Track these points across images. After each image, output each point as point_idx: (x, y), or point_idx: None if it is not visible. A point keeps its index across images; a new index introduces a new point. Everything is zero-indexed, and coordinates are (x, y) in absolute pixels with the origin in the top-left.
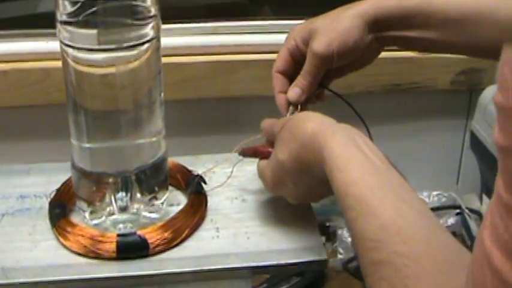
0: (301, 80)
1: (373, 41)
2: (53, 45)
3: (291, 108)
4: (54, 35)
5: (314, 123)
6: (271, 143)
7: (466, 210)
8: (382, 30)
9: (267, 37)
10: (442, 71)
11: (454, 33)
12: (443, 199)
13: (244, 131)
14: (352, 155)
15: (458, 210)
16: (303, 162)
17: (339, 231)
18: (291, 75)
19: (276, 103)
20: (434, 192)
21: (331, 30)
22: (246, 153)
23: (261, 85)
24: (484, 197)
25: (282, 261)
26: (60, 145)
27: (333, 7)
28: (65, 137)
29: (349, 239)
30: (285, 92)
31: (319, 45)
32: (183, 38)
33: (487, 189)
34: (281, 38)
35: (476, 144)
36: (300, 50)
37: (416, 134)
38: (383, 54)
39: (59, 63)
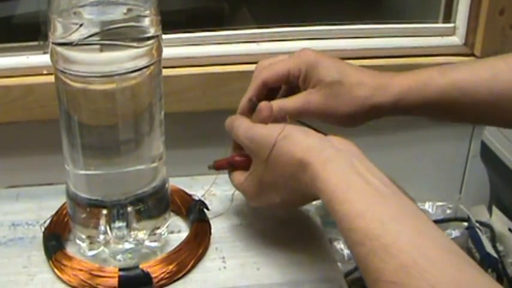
0: (277, 111)
1: (380, 118)
2: (34, 59)
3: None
4: (34, 48)
5: (302, 148)
6: (241, 149)
7: (477, 224)
8: (396, 114)
9: (257, 47)
10: None
11: (482, 112)
12: (448, 211)
13: None
14: (352, 184)
15: (466, 224)
16: (294, 187)
17: (335, 243)
18: (273, 91)
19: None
20: (438, 203)
21: (339, 101)
22: (221, 166)
23: None
24: (495, 208)
25: None
26: (44, 162)
27: (312, 8)
28: (49, 153)
29: (346, 252)
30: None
31: (317, 103)
32: (169, 49)
33: (497, 200)
34: (272, 47)
35: (488, 154)
36: (289, 83)
37: (419, 143)
38: (387, 61)
39: (41, 79)
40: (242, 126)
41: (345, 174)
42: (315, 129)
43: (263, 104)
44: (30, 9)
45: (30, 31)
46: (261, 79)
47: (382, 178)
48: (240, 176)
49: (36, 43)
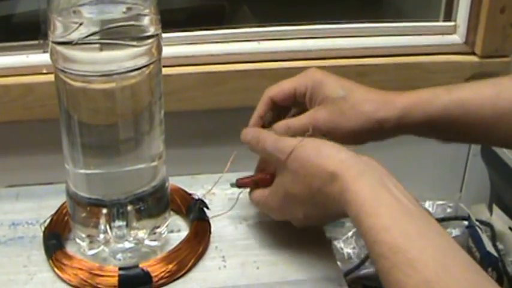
0: (284, 130)
1: (384, 137)
2: (34, 58)
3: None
4: (34, 47)
5: (334, 162)
6: (265, 163)
7: (477, 223)
8: (400, 133)
9: (258, 45)
10: (450, 76)
11: (486, 130)
12: (448, 209)
13: (236, 144)
14: (381, 198)
15: (466, 222)
16: (320, 201)
17: (335, 242)
18: (281, 112)
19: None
20: (439, 202)
21: (344, 118)
22: (245, 185)
23: (252, 96)
24: (495, 207)
25: None
26: (44, 161)
27: (312, 7)
28: (49, 153)
29: (346, 251)
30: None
31: (323, 120)
32: (169, 48)
33: (498, 199)
34: (272, 45)
35: (488, 153)
36: (296, 102)
37: (420, 142)
38: (388, 60)
39: (41, 78)
40: (270, 138)
41: (375, 189)
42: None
43: (277, 125)
44: (30, 8)
45: (30, 30)
46: (268, 95)
47: (409, 197)
48: (261, 192)
49: (36, 42)
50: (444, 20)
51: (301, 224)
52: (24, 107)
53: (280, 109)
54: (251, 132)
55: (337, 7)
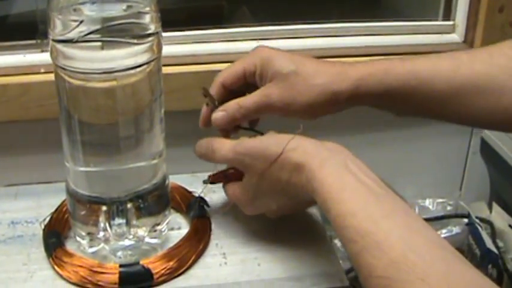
0: (235, 109)
1: (341, 107)
2: (31, 58)
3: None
4: (31, 47)
5: (297, 154)
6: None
7: (477, 220)
8: (356, 103)
9: (257, 44)
10: None
11: (440, 104)
12: (448, 207)
13: None
14: (346, 183)
15: (466, 220)
16: (290, 191)
17: (335, 241)
18: (232, 92)
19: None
20: (439, 200)
21: (298, 92)
22: (217, 180)
23: None
24: (495, 205)
25: None
26: (42, 161)
27: (311, 6)
28: (47, 152)
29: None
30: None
31: (276, 96)
32: (169, 47)
33: (497, 197)
34: (271, 45)
35: (487, 151)
36: (247, 83)
37: (419, 140)
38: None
39: (38, 78)
40: (226, 145)
41: (340, 174)
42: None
43: (227, 105)
44: (27, 8)
45: (27, 30)
46: (218, 81)
47: (375, 179)
48: (234, 186)
49: (33, 42)
50: (443, 19)
51: (275, 215)
52: (21, 107)
53: (233, 93)
54: (204, 144)
55: (336, 6)
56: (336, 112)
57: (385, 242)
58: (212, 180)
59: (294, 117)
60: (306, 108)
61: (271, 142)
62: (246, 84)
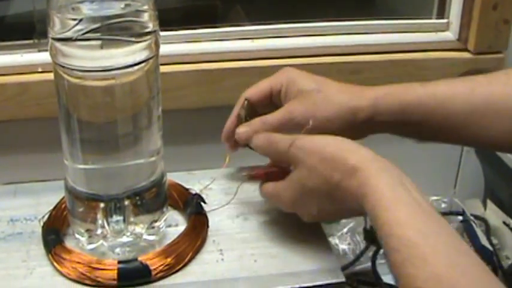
0: (258, 126)
1: (362, 129)
2: (29, 57)
3: None
4: (28, 46)
5: (356, 156)
6: (276, 162)
7: (471, 217)
8: (375, 126)
9: (252, 43)
10: (444, 73)
11: (458, 126)
12: (443, 205)
13: None
14: (399, 196)
15: (461, 217)
16: (337, 195)
17: (330, 238)
18: (259, 107)
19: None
20: (434, 198)
21: (318, 108)
22: (256, 177)
23: None
24: (489, 202)
25: (296, 285)
26: (40, 159)
27: (305, 5)
28: (45, 151)
29: (341, 247)
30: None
31: (298, 112)
32: (164, 46)
33: (492, 194)
34: (266, 44)
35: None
36: (272, 102)
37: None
38: (382, 57)
39: (36, 77)
40: (284, 139)
41: (394, 186)
42: None
43: (253, 122)
44: (25, 8)
45: (24, 30)
46: (244, 96)
47: (426, 199)
48: (273, 185)
49: (30, 42)
50: (437, 17)
51: (312, 218)
52: (19, 106)
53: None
54: (261, 136)
55: (331, 5)
56: (355, 138)
57: (430, 255)
58: (254, 176)
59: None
60: (325, 124)
61: (330, 141)
62: (270, 104)
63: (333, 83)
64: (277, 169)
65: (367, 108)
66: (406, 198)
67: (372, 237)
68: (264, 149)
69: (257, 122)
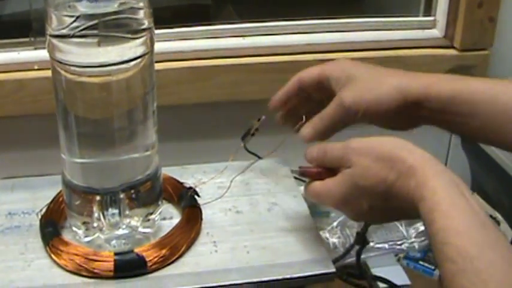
0: (318, 123)
1: (409, 116)
2: (25, 55)
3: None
4: (25, 44)
5: (415, 156)
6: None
7: None
8: (423, 112)
9: (243, 41)
10: (430, 70)
11: (505, 125)
12: None
13: (223, 137)
14: (457, 202)
15: None
16: (392, 195)
17: (320, 232)
18: (309, 89)
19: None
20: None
21: (368, 90)
22: (307, 174)
23: (238, 89)
24: (476, 196)
25: (287, 276)
26: (36, 155)
27: (295, 6)
28: (41, 147)
29: (331, 240)
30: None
31: (349, 98)
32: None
33: (479, 188)
34: (257, 41)
35: (468, 143)
36: (324, 88)
37: (401, 133)
38: (369, 54)
39: (32, 74)
40: (337, 145)
41: (452, 191)
42: None
43: (303, 132)
44: (21, 8)
45: (21, 28)
46: (298, 76)
47: (480, 206)
48: (322, 184)
49: (27, 39)
50: (424, 15)
51: (360, 217)
52: (16, 103)
53: (304, 99)
54: (315, 148)
55: (320, 4)
56: (400, 127)
57: (485, 271)
58: (301, 173)
59: (366, 122)
60: (374, 107)
61: (386, 140)
62: (319, 89)
63: (384, 68)
64: (326, 170)
65: (418, 91)
66: (464, 206)
67: (363, 240)
68: (320, 159)
69: (316, 120)
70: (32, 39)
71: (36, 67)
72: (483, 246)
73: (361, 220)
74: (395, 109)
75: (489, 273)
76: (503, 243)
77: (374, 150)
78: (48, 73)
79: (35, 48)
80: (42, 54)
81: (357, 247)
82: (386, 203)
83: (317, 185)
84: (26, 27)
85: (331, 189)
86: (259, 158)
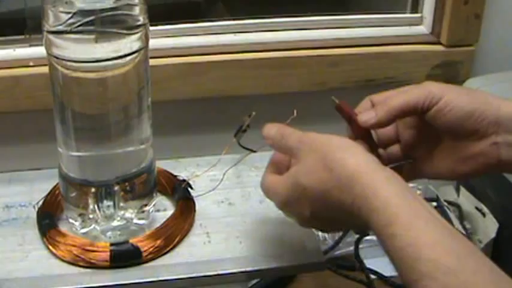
0: (387, 104)
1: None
2: (21, 52)
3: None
4: (20, 41)
5: (357, 161)
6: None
7: (445, 203)
8: (495, 137)
9: (235, 37)
10: (417, 65)
11: None
12: (418, 191)
13: (217, 131)
14: (416, 209)
15: (435, 203)
16: (334, 200)
17: None
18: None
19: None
20: (409, 185)
21: (456, 90)
22: (344, 111)
23: (231, 85)
24: (462, 189)
25: (278, 265)
26: (32, 150)
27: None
28: (37, 142)
29: (321, 232)
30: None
31: (434, 85)
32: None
33: (465, 181)
34: (248, 37)
35: None
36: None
37: None
38: (358, 50)
39: (27, 71)
40: (295, 134)
41: (407, 198)
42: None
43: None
44: (17, 6)
45: (17, 26)
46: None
47: (435, 209)
48: (273, 179)
49: (22, 37)
50: (411, 12)
51: (305, 223)
52: (12, 98)
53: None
54: (276, 127)
55: (310, 1)
56: (473, 168)
57: (472, 282)
58: (340, 107)
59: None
60: (455, 103)
61: (333, 139)
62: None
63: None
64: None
65: (496, 116)
66: (425, 214)
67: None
68: (276, 141)
69: (382, 105)
70: (28, 36)
71: (31, 64)
72: (460, 255)
73: (306, 227)
74: (481, 117)
75: (476, 283)
76: (473, 246)
77: (321, 149)
78: (43, 69)
79: (30, 45)
80: (37, 51)
81: (346, 240)
82: (327, 211)
83: (268, 179)
84: (21, 25)
85: (277, 187)
86: (253, 151)
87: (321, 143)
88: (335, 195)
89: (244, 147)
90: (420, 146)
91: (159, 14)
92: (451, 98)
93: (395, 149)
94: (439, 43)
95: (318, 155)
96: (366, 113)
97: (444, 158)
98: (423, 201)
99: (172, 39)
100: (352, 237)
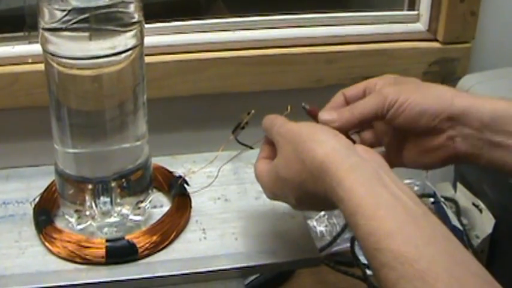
0: (349, 110)
1: (442, 133)
2: (19, 49)
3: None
4: (19, 39)
5: (325, 150)
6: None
7: (442, 199)
8: (458, 136)
9: (232, 35)
10: (415, 62)
11: None
12: (416, 188)
13: (214, 128)
14: (380, 197)
15: (432, 199)
16: (310, 190)
17: (308, 221)
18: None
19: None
20: (407, 181)
21: (411, 89)
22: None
23: (229, 82)
24: (459, 185)
25: (274, 261)
26: (29, 147)
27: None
28: (34, 139)
29: (319, 229)
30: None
31: (390, 89)
32: (149, 38)
33: (461, 177)
34: (246, 35)
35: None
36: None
37: None
38: (355, 47)
39: (26, 68)
40: (279, 121)
41: (372, 186)
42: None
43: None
44: (15, 4)
45: (16, 23)
46: (341, 90)
47: (410, 194)
48: (262, 167)
49: (21, 34)
50: (408, 9)
51: (295, 208)
52: (11, 95)
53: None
54: (271, 117)
55: (306, 1)
56: (435, 156)
57: (428, 272)
58: (310, 110)
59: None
60: (413, 103)
61: (303, 127)
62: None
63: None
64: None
65: (460, 106)
66: (388, 200)
67: None
68: (268, 130)
69: (346, 107)
70: (26, 33)
71: (30, 61)
72: (419, 244)
73: (298, 210)
74: (434, 115)
75: (433, 272)
76: (441, 234)
77: (294, 140)
78: (42, 67)
79: (29, 43)
80: (36, 48)
81: (344, 236)
82: (308, 198)
83: (259, 168)
84: (20, 22)
85: (264, 179)
86: (250, 147)
87: (293, 134)
88: (310, 186)
89: (241, 143)
90: (390, 136)
91: (158, 11)
92: (405, 99)
93: (368, 135)
94: (436, 40)
95: (291, 146)
96: (327, 113)
97: (409, 150)
98: (393, 184)
99: (170, 37)
100: (350, 233)
